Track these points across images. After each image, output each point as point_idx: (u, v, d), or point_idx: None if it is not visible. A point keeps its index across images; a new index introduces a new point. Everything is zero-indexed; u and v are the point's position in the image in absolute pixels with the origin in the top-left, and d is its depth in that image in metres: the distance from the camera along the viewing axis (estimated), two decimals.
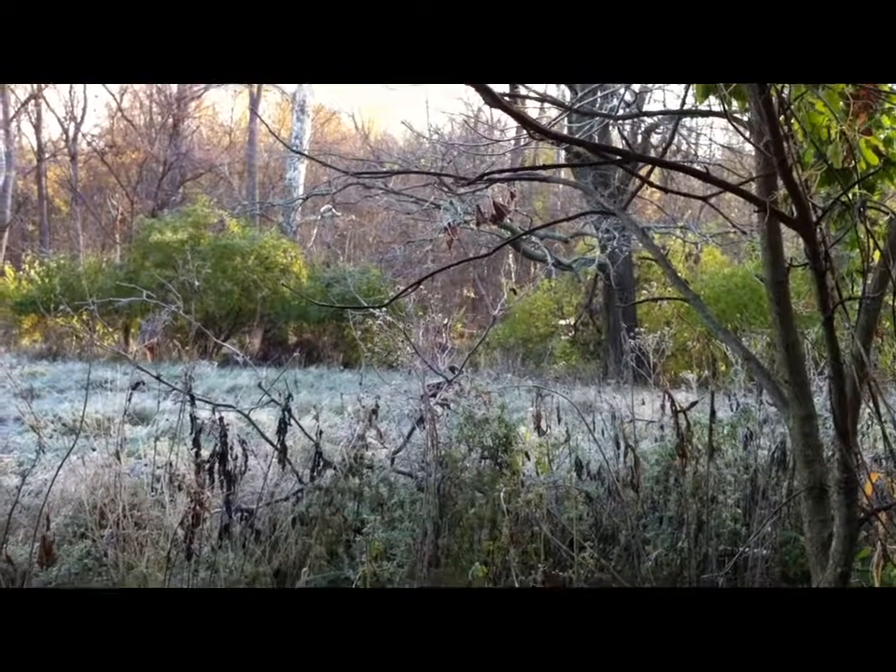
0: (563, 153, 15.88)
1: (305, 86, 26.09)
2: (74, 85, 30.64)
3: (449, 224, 5.05)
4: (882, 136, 3.29)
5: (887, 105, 3.30)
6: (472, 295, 27.01)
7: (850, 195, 2.98)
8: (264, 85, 31.14)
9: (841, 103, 3.02)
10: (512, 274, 25.36)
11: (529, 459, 5.31)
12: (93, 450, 5.67)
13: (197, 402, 5.07)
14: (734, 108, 3.19)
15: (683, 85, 3.56)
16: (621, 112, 8.92)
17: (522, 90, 14.38)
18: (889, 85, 3.34)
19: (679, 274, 3.83)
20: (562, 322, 19.84)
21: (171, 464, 5.14)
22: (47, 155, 31.67)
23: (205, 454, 4.88)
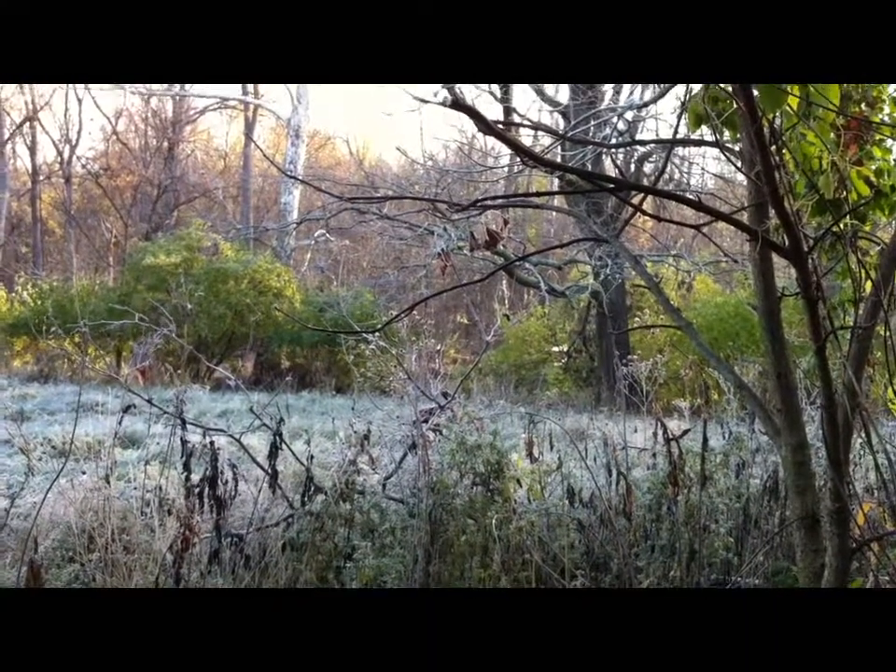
0: (556, 181, 15.98)
1: (300, 110, 26.22)
2: (69, 108, 30.85)
3: (442, 250, 5.05)
4: (873, 167, 3.31)
5: (878, 137, 3.32)
6: (466, 321, 27.05)
7: (842, 225, 3.00)
8: (260, 109, 31.29)
9: (832, 133, 3.05)
10: (506, 301, 25.41)
11: (521, 486, 5.29)
12: (83, 473, 5.64)
13: (188, 426, 5.05)
14: (725, 138, 3.22)
15: (676, 114, 3.59)
16: (614, 141, 8.99)
17: (516, 117, 14.47)
18: (880, 116, 3.37)
19: (672, 302, 3.84)
20: (555, 349, 19.86)
21: (161, 488, 5.11)
22: (41, 177, 31.78)
23: (196, 478, 4.86)
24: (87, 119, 49.55)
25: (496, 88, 14.25)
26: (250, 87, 30.34)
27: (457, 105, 2.30)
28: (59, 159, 31.67)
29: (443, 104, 2.30)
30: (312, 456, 5.35)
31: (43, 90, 29.94)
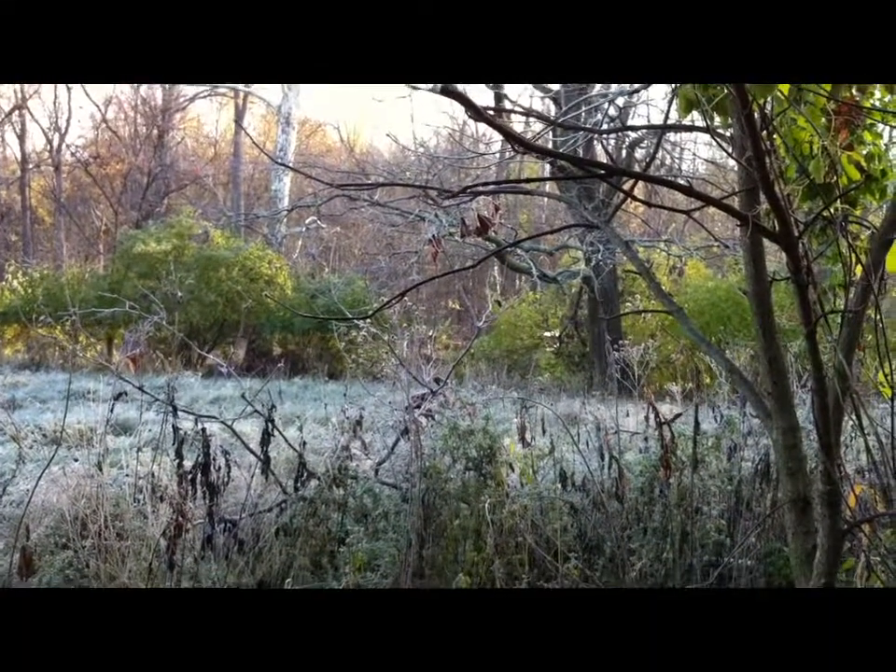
0: (548, 167, 15.98)
1: (291, 98, 26.11)
2: (58, 96, 30.67)
3: (433, 236, 5.06)
4: (864, 152, 3.32)
5: (868, 121, 3.33)
6: (457, 307, 27.03)
7: (832, 210, 3.01)
8: (250, 97, 31.16)
9: (823, 118, 3.05)
10: (498, 286, 25.41)
11: (514, 471, 5.31)
12: (76, 460, 5.64)
13: (181, 413, 5.05)
14: (716, 123, 3.22)
15: (666, 100, 3.60)
16: (605, 126, 8.98)
17: (507, 104, 14.45)
18: (871, 101, 3.37)
19: (664, 287, 3.85)
20: (547, 334, 19.89)
21: (153, 475, 5.12)
22: (31, 166, 31.59)
23: (188, 464, 4.87)
24: (76, 107, 49.37)
25: None
26: None
27: (448, 91, 2.30)
28: (48, 147, 31.50)
29: (433, 90, 2.30)
30: (304, 442, 5.37)
31: None
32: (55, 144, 31.11)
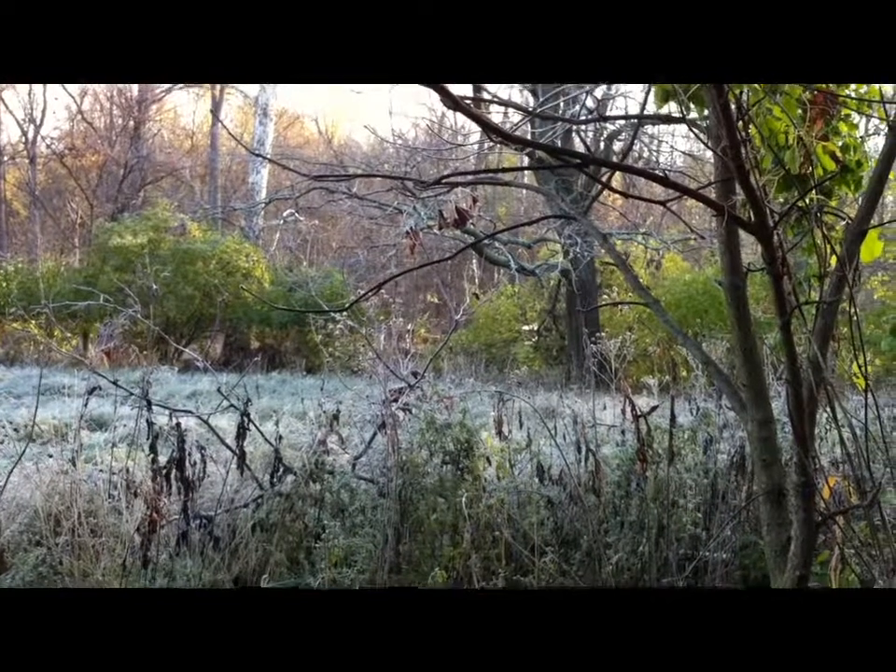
0: (526, 158, 15.97)
1: (268, 89, 25.94)
2: (33, 87, 30.32)
3: (411, 228, 5.03)
4: (839, 143, 3.32)
5: (843, 112, 3.33)
6: (436, 300, 27.01)
7: (807, 200, 3.01)
8: (227, 88, 30.96)
9: (798, 109, 3.05)
10: (476, 280, 25.40)
11: (491, 464, 5.30)
12: (50, 456, 5.57)
13: (156, 408, 5.00)
14: (693, 114, 3.21)
15: (643, 91, 3.58)
16: (582, 118, 8.97)
17: (485, 94, 14.41)
18: (846, 92, 3.38)
19: (641, 280, 3.84)
20: (525, 327, 19.92)
21: (128, 470, 5.06)
22: (5, 157, 31.23)
23: (163, 460, 4.82)
24: (51, 99, 48.82)
25: None
26: None
27: None
28: (23, 139, 31.15)
29: None
30: (281, 437, 5.33)
31: None
32: (30, 135, 30.78)
